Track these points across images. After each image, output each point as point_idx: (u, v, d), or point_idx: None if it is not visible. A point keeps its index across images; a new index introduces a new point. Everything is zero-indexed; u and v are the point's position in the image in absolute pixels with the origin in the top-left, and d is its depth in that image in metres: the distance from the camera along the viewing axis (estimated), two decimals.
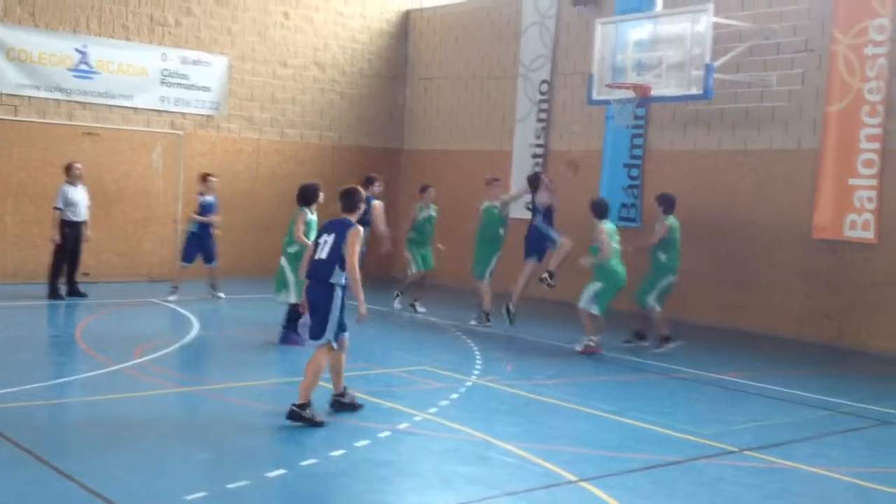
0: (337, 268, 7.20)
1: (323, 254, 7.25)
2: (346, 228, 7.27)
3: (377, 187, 12.87)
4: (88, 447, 6.44)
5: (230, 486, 5.64)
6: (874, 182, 12.08)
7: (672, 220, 11.54)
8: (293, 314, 10.49)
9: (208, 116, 16.83)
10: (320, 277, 7.24)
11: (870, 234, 12.10)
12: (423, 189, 14.24)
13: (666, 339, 11.37)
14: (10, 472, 5.78)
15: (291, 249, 10.49)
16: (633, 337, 11.74)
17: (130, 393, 8.04)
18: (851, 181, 12.28)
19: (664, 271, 11.47)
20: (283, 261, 10.63)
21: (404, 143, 19.41)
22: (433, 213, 14.16)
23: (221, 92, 16.87)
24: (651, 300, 11.36)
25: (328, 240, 7.29)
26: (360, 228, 7.39)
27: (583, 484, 6.01)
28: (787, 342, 12.52)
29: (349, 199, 7.53)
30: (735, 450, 7.02)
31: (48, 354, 10.12)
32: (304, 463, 6.17)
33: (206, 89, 16.69)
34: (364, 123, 18.81)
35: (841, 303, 12.47)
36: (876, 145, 12.07)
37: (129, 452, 6.33)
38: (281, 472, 5.97)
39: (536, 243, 12.71)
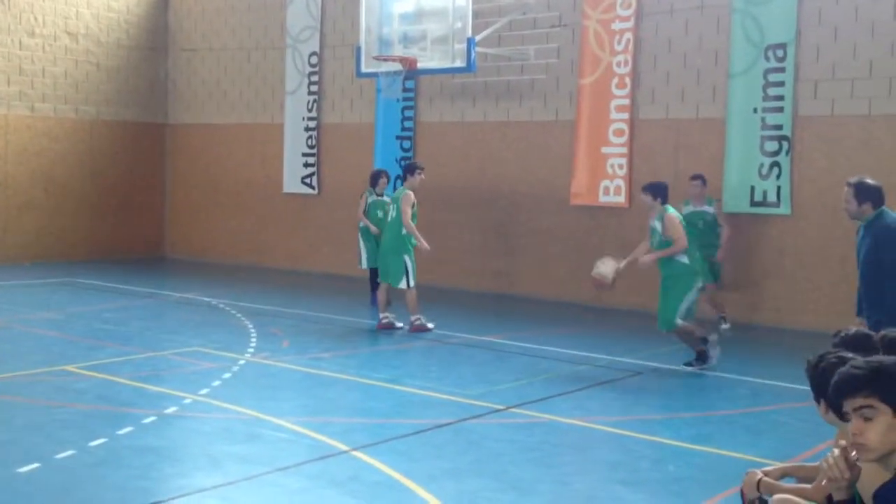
0: None
1: None
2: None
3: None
4: None
5: None
6: (624, 150, 12.93)
7: (672, 211, 9.03)
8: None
9: None
10: None
11: (622, 199, 12.95)
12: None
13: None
14: None
15: (403, 232, 10.64)
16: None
17: None
18: (604, 150, 13.08)
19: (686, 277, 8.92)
20: (396, 248, 10.64)
21: (168, 117, 18.61)
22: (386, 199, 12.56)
23: None
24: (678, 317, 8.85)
25: None
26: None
27: (354, 453, 6.06)
28: (549, 304, 13.20)
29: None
30: (501, 408, 7.33)
31: None
32: (60, 455, 5.82)
33: None
34: (124, 97, 17.86)
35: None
36: (625, 115, 12.91)
37: None
38: (33, 466, 5.59)
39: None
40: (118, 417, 6.77)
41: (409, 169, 11.19)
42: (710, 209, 11.22)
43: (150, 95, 18.29)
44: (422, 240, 10.66)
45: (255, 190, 17.31)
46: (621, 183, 12.94)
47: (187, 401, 7.30)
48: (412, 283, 10.70)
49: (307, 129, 16.49)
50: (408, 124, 15.28)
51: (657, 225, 8.84)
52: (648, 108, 12.84)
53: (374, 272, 12.16)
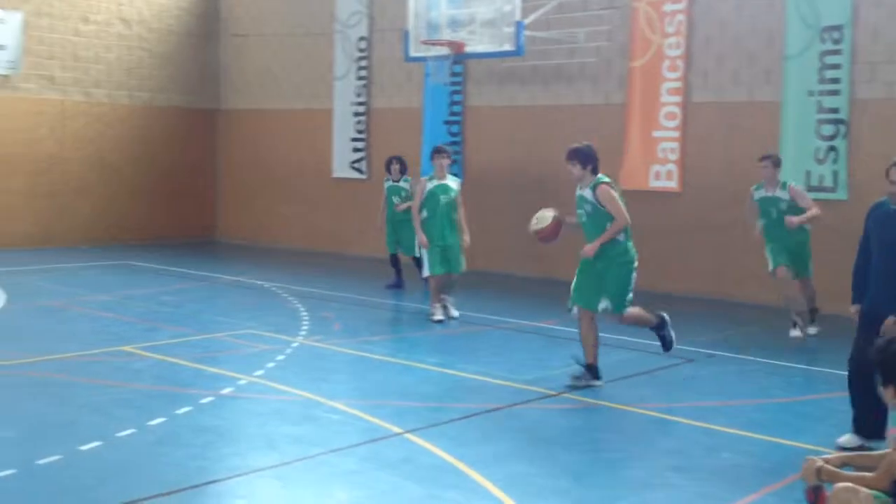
0: None
1: None
2: None
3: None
4: None
5: (41, 461, 5.38)
6: (676, 134, 12.78)
7: (606, 179, 8.09)
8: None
9: (4, 76, 15.69)
10: None
11: (673, 184, 12.82)
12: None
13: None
14: None
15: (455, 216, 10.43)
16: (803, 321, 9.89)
17: None
18: (655, 133, 12.94)
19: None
20: (454, 233, 10.40)
21: (220, 102, 18.82)
22: (403, 185, 12.62)
23: (17, 50, 15.74)
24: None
25: None
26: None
27: (407, 435, 6.11)
28: None
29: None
30: (553, 393, 7.33)
31: None
32: (121, 434, 5.96)
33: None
34: (177, 83, 18.09)
35: (648, 250, 13.15)
36: (677, 98, 12.75)
37: None
38: (95, 444, 5.73)
39: None
40: (176, 397, 6.90)
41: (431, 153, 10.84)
42: (784, 195, 9.83)
43: (201, 81, 18.50)
44: (421, 233, 10.38)
45: (305, 175, 17.44)
46: (673, 168, 12.80)
47: (242, 382, 7.42)
48: (425, 273, 10.71)
49: (356, 114, 16.56)
50: (456, 109, 15.27)
51: (587, 194, 7.62)
52: (701, 91, 12.67)
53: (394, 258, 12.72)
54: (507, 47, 12.59)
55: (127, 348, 8.52)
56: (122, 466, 5.43)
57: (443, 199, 10.33)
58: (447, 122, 15.28)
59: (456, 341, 9.60)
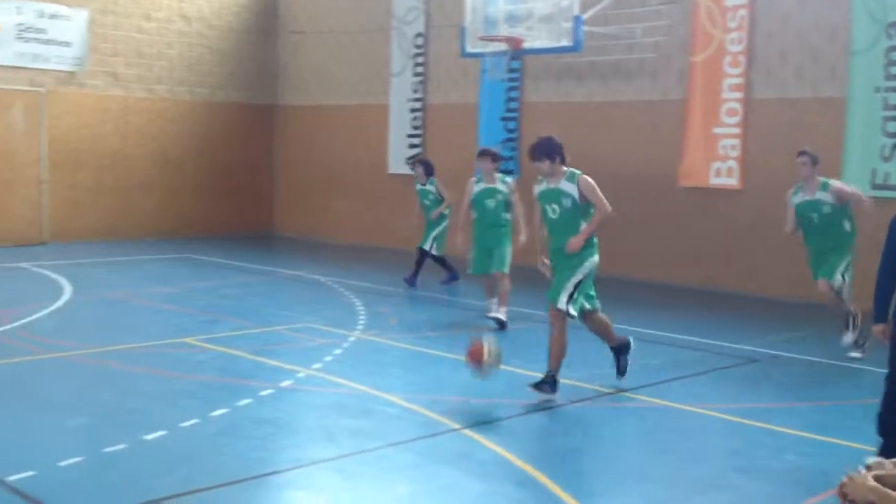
0: None
1: None
2: None
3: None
4: None
5: (107, 449, 5.49)
6: (738, 130, 12.58)
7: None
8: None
9: (70, 73, 16.06)
10: None
11: (734, 181, 12.63)
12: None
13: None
14: None
15: (507, 216, 9.96)
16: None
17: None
18: (716, 130, 12.76)
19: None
20: (498, 235, 9.95)
21: (278, 99, 19.02)
22: (430, 188, 12.47)
23: (83, 47, 16.09)
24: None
25: None
26: None
27: (465, 431, 6.11)
28: (655, 287, 13.00)
29: None
30: (610, 391, 7.28)
31: None
32: (184, 424, 6.06)
33: (66, 44, 15.90)
34: (236, 79, 18.33)
35: (708, 248, 13.01)
36: (738, 95, 12.55)
37: None
38: (160, 433, 5.84)
39: None
40: (237, 389, 7.00)
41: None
42: (826, 197, 8.62)
43: (259, 78, 18.72)
44: (460, 231, 10.11)
45: (361, 171, 17.55)
46: (734, 164, 12.61)
47: (301, 375, 7.49)
48: (468, 271, 10.37)
49: (412, 110, 16.61)
50: (513, 105, 15.23)
51: (567, 187, 7.18)
52: (763, 87, 12.45)
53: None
54: (565, 43, 12.51)
55: (188, 340, 8.66)
56: (185, 456, 5.52)
57: (489, 203, 9.95)
58: (504, 119, 15.24)
59: (511, 338, 9.56)
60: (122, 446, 5.57)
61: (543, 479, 5.23)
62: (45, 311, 9.87)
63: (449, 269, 12.66)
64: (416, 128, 16.58)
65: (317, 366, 7.80)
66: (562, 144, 7.29)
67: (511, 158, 15.12)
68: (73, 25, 15.95)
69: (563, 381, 7.51)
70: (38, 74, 15.68)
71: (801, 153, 8.81)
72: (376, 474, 5.38)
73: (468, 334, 9.62)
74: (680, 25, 13.13)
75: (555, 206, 7.20)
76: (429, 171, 12.53)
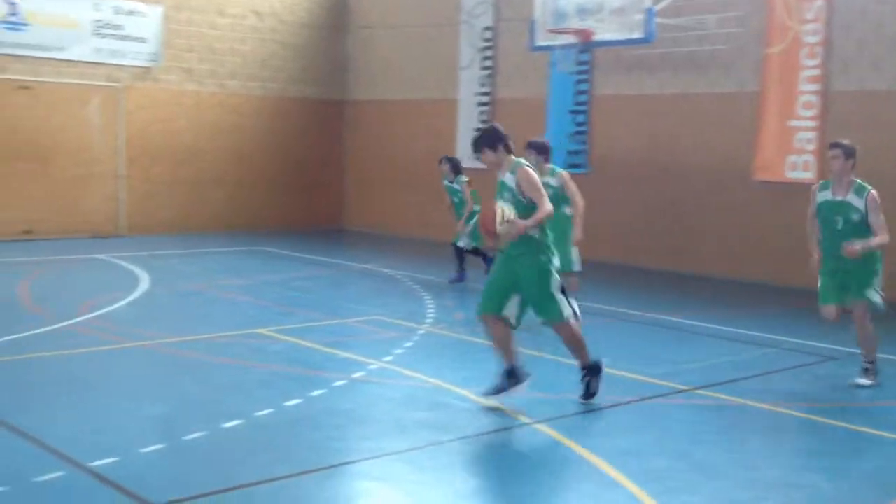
0: None
1: None
2: None
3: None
4: (40, 403, 6.35)
5: (186, 437, 5.62)
6: (814, 123, 12.30)
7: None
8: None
9: (146, 68, 16.43)
10: None
11: (811, 175, 12.33)
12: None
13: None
14: None
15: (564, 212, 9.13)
16: None
17: (79, 349, 7.93)
18: (792, 123, 12.49)
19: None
20: (558, 231, 8.78)
21: (348, 94, 19.19)
22: (457, 187, 12.12)
23: (158, 43, 16.45)
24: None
25: None
26: None
27: (537, 426, 6.10)
28: (729, 283, 12.79)
29: None
30: (685, 388, 7.18)
31: None
32: (260, 413, 6.16)
33: (141, 40, 16.27)
34: (308, 74, 18.55)
35: (782, 242, 12.74)
36: (815, 87, 12.27)
37: (81, 407, 6.27)
38: (237, 422, 5.95)
39: None
40: (310, 380, 7.10)
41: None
42: (858, 202, 7.14)
43: (330, 73, 18.91)
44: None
45: (429, 165, 17.55)
46: (810, 158, 12.33)
47: (373, 367, 7.56)
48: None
49: (480, 104, 16.60)
50: (581, 98, 15.10)
51: (508, 179, 6.46)
52: (841, 79, 12.14)
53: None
54: (637, 35, 12.39)
55: (262, 331, 8.81)
56: (262, 444, 5.62)
57: None
58: (572, 112, 15.13)
59: (583, 333, 9.49)
60: (201, 434, 5.69)
61: (617, 476, 5.19)
62: (123, 302, 10.14)
63: (486, 260, 12.06)
64: (483, 122, 16.56)
65: (388, 358, 7.86)
66: (506, 134, 6.54)
67: (580, 152, 15.02)
68: (149, 22, 16.31)
69: (637, 377, 7.45)
70: (115, 70, 16.08)
71: (833, 145, 7.43)
72: (448, 467, 5.41)
73: (538, 330, 9.62)
74: (754, 16, 12.87)
75: (500, 201, 6.48)
76: (455, 168, 12.19)
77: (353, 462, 5.43)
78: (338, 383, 7.01)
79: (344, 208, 19.42)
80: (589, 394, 6.65)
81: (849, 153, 7.25)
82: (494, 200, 6.53)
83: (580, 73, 14.83)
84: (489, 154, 6.52)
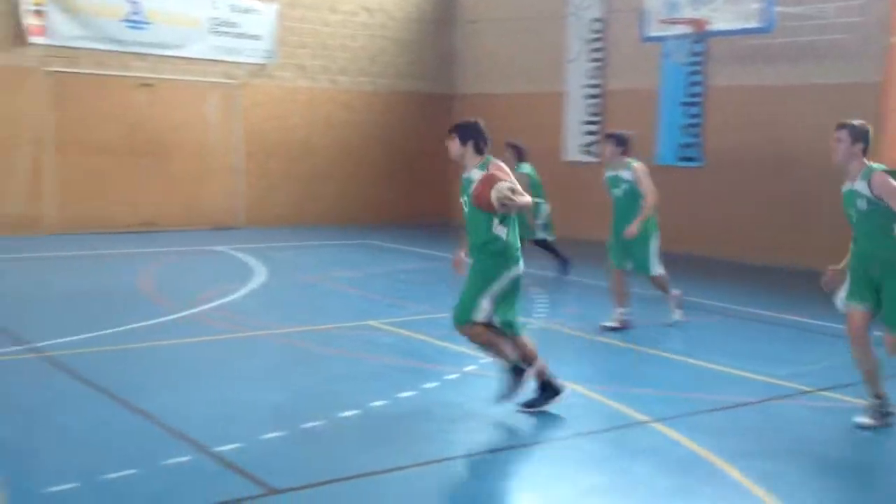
0: None
1: None
2: None
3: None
4: (166, 389, 6.58)
5: (305, 425, 5.74)
6: None
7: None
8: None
9: (261, 65, 16.84)
10: None
11: None
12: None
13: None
14: (90, 410, 5.97)
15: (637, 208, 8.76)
16: None
17: (200, 337, 8.20)
18: None
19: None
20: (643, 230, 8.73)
21: (455, 88, 19.25)
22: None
23: (273, 40, 16.84)
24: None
25: None
26: None
27: (654, 424, 5.99)
28: None
29: None
30: (809, 389, 6.94)
31: (113, 303, 10.30)
32: (375, 404, 6.24)
33: (257, 38, 16.67)
34: (417, 68, 18.68)
35: None
36: None
37: (204, 394, 6.47)
38: (353, 412, 6.04)
39: None
40: (423, 372, 7.15)
41: None
42: (863, 188, 6.02)
43: (438, 67, 19.00)
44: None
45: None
46: None
47: (484, 360, 7.53)
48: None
49: (588, 96, 16.41)
50: (695, 89, 14.76)
51: (475, 175, 6.08)
52: None
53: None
54: (754, 24, 12.04)
55: (373, 323, 8.93)
56: (378, 435, 5.69)
57: (615, 192, 8.91)
58: (684, 104, 14.81)
59: (696, 331, 9.29)
60: (319, 423, 5.80)
61: (739, 477, 5.06)
62: (242, 292, 10.43)
63: (560, 256, 12.07)
64: (593, 114, 16.38)
65: None
66: (482, 130, 6.17)
67: (693, 145, 14.70)
68: (264, 19, 16.70)
69: (758, 377, 7.24)
70: (232, 67, 16.53)
71: (841, 126, 6.10)
72: (563, 464, 5.37)
73: (650, 325, 9.45)
74: (876, 4, 12.32)
75: (464, 199, 6.08)
76: (519, 155, 11.87)
77: (467, 455, 5.45)
78: (450, 376, 7.05)
79: (451, 203, 19.48)
80: (509, 395, 6.09)
81: (857, 136, 6.01)
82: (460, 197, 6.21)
83: (693, 63, 14.50)
84: (454, 143, 6.20)
